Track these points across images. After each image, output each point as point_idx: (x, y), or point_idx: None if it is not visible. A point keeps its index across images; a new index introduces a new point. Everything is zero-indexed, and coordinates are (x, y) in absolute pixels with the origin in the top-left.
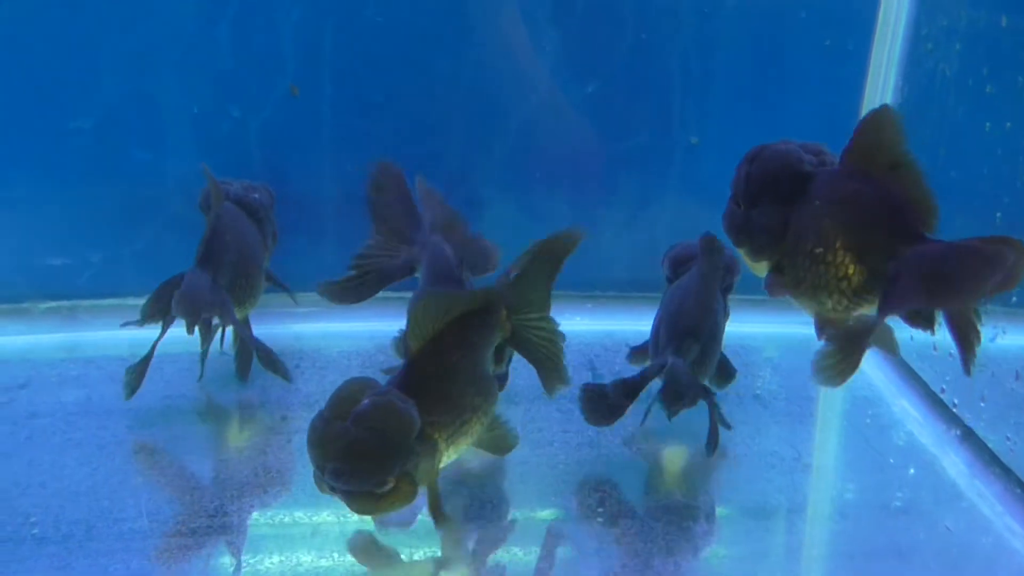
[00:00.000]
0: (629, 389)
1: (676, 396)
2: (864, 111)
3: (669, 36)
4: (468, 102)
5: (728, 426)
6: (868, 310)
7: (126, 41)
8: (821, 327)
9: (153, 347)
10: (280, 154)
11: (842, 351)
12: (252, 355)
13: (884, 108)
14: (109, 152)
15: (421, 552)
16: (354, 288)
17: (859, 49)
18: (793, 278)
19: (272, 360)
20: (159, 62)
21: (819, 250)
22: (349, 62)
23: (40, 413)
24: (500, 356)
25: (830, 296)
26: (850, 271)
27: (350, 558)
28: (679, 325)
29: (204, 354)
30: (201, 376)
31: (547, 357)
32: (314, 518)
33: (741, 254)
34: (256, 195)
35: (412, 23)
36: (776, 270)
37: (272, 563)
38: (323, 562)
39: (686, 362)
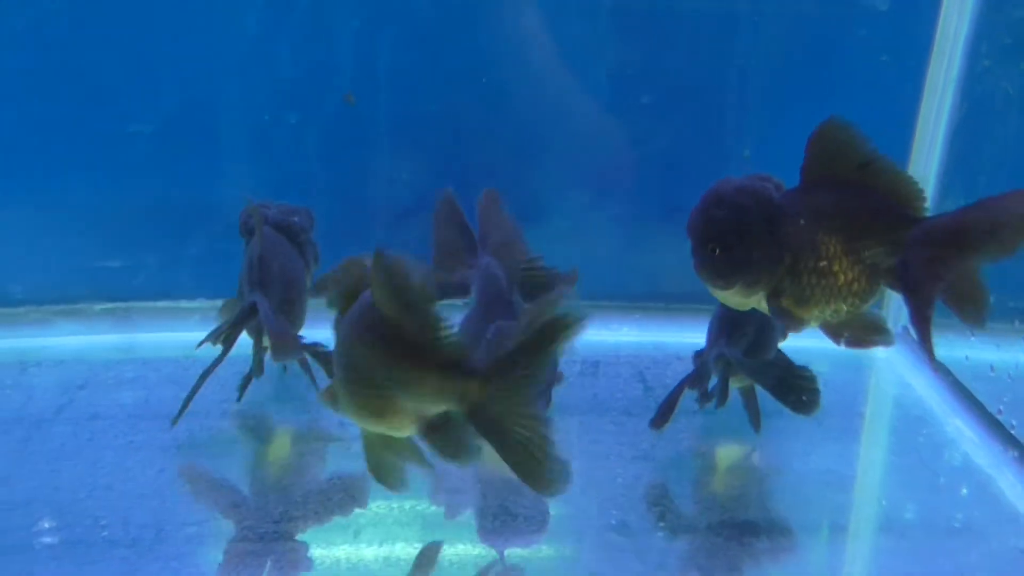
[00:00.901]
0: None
1: (699, 377)
2: (919, 129)
3: (725, 50)
4: (523, 112)
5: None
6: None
7: (186, 48)
8: (835, 334)
9: (203, 379)
10: (336, 161)
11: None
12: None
13: (832, 117)
14: (167, 157)
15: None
16: None
17: (917, 66)
18: (798, 297)
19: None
20: (218, 69)
21: (823, 263)
22: (406, 71)
23: (100, 415)
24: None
25: (844, 301)
26: (858, 273)
27: (417, 559)
28: (727, 317)
29: (248, 379)
30: (240, 398)
31: (525, 454)
32: (378, 525)
33: (727, 295)
34: (296, 218)
35: (468, 34)
36: (773, 296)
37: (340, 568)
38: (390, 570)
39: (739, 351)
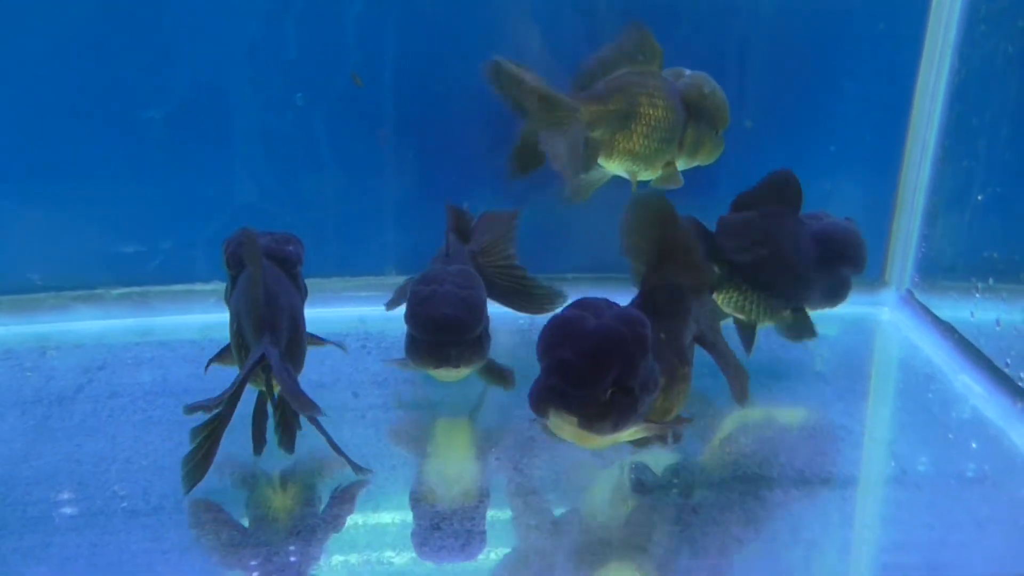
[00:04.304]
0: None
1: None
2: (918, 95)
3: (723, 20)
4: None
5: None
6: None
7: (195, 33)
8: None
9: (218, 440)
10: (343, 142)
11: None
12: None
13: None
14: (179, 142)
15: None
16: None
17: (914, 32)
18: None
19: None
20: (227, 53)
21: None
22: (412, 53)
23: (119, 393)
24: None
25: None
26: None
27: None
28: None
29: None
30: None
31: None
32: (392, 490)
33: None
34: (291, 247)
35: (474, 14)
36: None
37: (356, 532)
38: (403, 539)
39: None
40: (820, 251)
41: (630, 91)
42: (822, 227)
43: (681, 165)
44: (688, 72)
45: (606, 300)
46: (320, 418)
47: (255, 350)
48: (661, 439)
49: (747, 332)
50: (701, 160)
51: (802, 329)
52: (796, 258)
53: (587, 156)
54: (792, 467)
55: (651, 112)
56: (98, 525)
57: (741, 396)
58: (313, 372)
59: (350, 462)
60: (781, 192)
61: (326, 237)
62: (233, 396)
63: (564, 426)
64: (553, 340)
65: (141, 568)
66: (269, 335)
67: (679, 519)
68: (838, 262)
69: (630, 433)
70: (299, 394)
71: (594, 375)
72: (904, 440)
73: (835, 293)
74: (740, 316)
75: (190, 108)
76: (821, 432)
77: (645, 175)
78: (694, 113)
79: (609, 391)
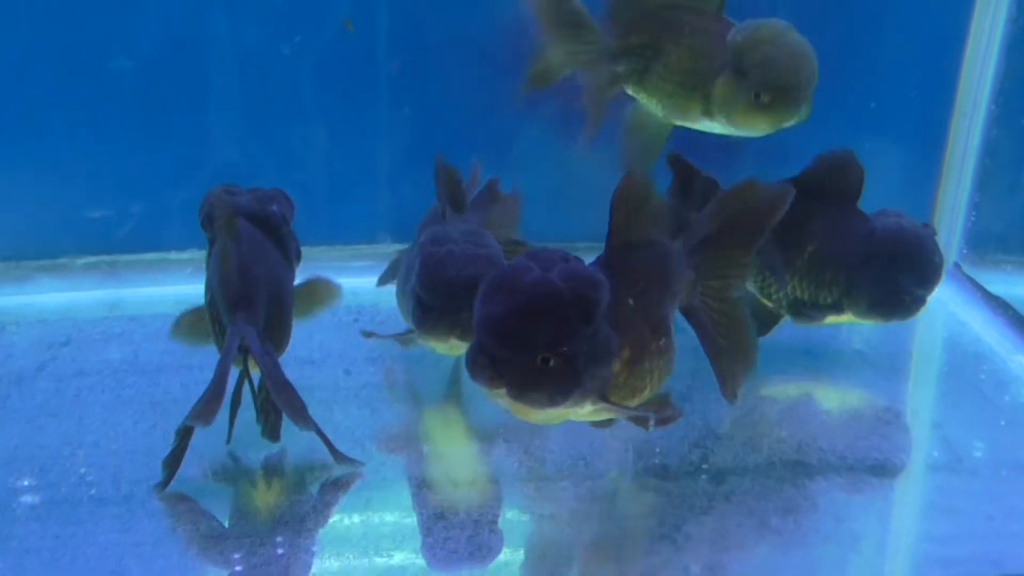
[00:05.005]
0: None
1: None
2: (970, 45)
3: None
4: (528, 42)
5: None
6: None
7: None
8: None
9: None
10: (333, 95)
11: None
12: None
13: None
14: (151, 95)
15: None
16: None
17: None
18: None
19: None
20: None
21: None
22: None
23: (86, 371)
24: None
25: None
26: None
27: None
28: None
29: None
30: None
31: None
32: (390, 477)
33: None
34: (275, 207)
35: None
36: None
37: (349, 523)
38: (394, 512)
39: None
40: (870, 253)
41: (656, 25)
42: (883, 227)
43: (719, 127)
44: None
45: (564, 253)
46: (309, 399)
47: (231, 334)
48: (641, 422)
49: (767, 319)
50: (741, 127)
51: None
52: (829, 255)
53: (611, 89)
54: (834, 452)
55: (672, 50)
56: (62, 514)
57: (729, 391)
58: (302, 347)
59: (337, 453)
60: (839, 177)
61: (313, 201)
62: (216, 388)
63: (496, 395)
64: (486, 292)
65: (110, 562)
66: (244, 315)
67: (710, 508)
68: (893, 269)
69: (590, 412)
70: (284, 388)
71: (523, 336)
72: (955, 424)
73: (885, 304)
74: (767, 303)
75: (163, 57)
76: (863, 415)
77: (675, 119)
78: (734, 66)
79: (540, 357)
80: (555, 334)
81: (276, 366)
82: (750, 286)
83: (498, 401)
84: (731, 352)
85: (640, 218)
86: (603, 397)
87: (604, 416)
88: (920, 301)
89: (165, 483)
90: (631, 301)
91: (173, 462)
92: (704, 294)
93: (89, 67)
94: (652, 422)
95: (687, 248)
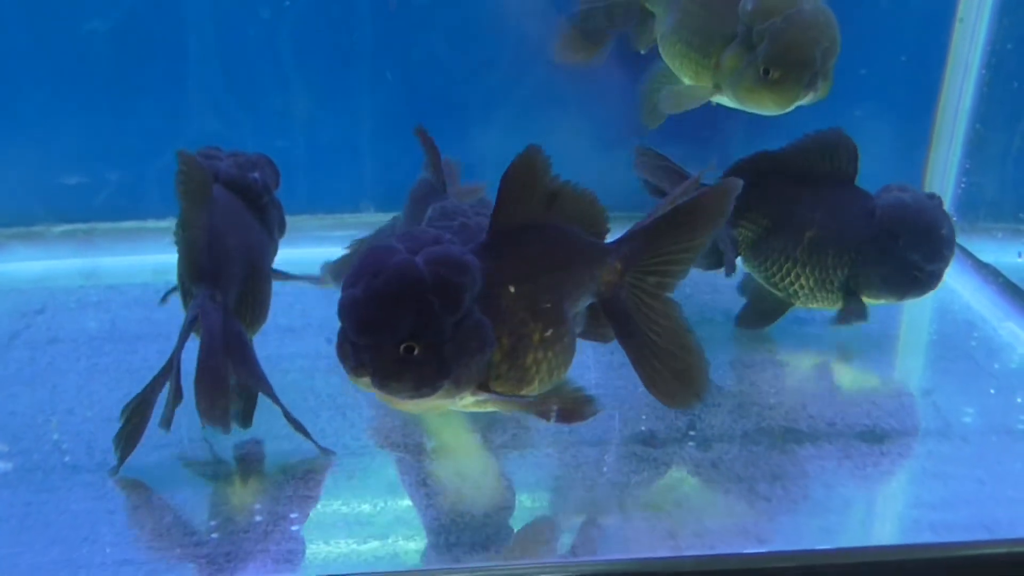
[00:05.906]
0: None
1: None
2: (961, 3)
3: None
4: (513, 9)
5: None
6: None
7: None
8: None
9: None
10: (315, 60)
11: None
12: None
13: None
14: (127, 58)
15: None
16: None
17: None
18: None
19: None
20: None
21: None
22: None
23: (61, 339)
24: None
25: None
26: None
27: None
28: None
29: (175, 400)
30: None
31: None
32: (367, 441)
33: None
34: (256, 174)
35: None
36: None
37: (332, 505)
38: (377, 480)
39: None
40: (877, 230)
41: None
42: (884, 203)
43: (727, 99)
44: None
45: (439, 234)
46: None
47: (190, 308)
48: (542, 414)
49: (774, 308)
50: (748, 104)
51: (851, 313)
52: (830, 238)
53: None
54: (823, 419)
55: (686, 6)
56: (34, 481)
57: (668, 399)
58: (281, 316)
59: (310, 438)
60: (831, 156)
61: (295, 168)
62: (167, 367)
63: (362, 384)
64: (350, 275)
65: (83, 529)
66: (208, 288)
67: (697, 474)
68: (899, 245)
69: (473, 403)
70: (210, 375)
71: (381, 323)
72: (945, 391)
73: (897, 281)
74: (776, 292)
75: (139, 18)
76: (853, 381)
77: (687, 77)
78: (743, 36)
79: (404, 346)
80: (415, 322)
81: (215, 351)
82: (757, 275)
83: (367, 391)
84: (671, 353)
85: (531, 200)
86: (484, 388)
87: (491, 408)
88: (934, 275)
89: (118, 466)
90: (512, 288)
91: (128, 443)
92: (636, 289)
93: (63, 30)
94: (553, 415)
95: (622, 239)
